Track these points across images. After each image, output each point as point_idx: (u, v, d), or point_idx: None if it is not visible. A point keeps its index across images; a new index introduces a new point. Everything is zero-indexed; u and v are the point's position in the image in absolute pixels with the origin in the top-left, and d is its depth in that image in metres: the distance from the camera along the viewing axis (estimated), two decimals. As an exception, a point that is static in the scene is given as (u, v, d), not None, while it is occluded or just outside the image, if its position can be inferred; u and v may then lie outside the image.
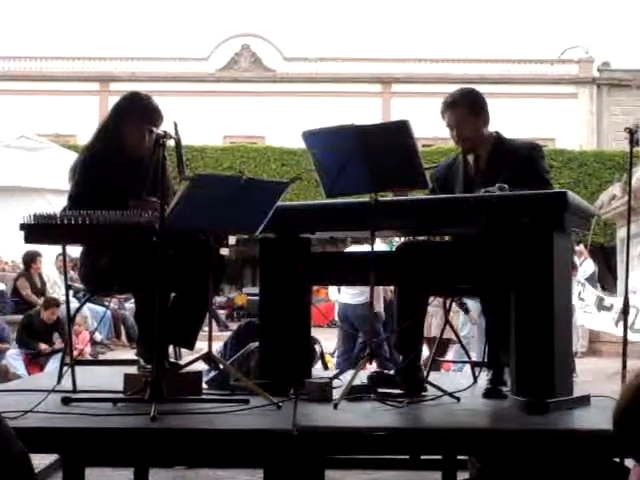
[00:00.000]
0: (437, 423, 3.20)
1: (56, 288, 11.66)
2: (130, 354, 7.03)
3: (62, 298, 9.54)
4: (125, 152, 3.79)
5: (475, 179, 3.95)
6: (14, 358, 9.34)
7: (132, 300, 10.85)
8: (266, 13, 56.57)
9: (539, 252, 3.40)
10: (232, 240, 4.00)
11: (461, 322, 9.03)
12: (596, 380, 8.35)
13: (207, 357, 3.55)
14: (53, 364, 8.75)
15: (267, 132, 29.35)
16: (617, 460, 3.09)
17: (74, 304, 4.53)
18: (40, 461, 4.17)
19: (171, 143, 3.36)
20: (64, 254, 4.07)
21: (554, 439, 2.93)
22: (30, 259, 11.50)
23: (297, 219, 3.95)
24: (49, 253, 11.58)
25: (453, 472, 4.07)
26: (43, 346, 9.41)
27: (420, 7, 63.46)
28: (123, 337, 13.26)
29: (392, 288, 5.99)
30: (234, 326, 9.89)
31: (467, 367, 5.02)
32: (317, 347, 4.53)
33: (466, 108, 3.98)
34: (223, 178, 3.73)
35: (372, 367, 6.20)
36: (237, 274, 25.24)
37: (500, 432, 3.02)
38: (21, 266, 12.16)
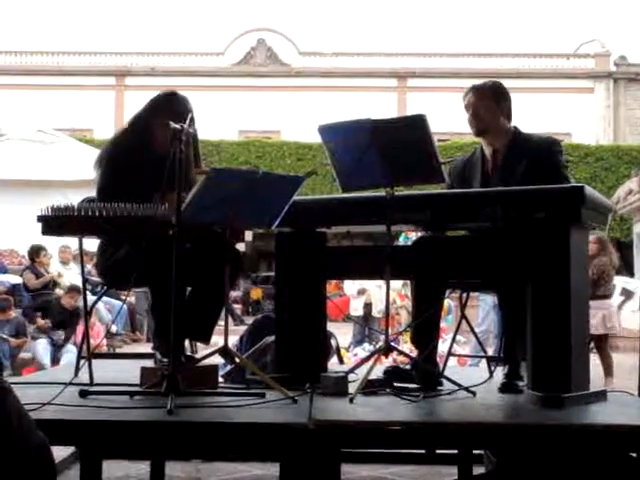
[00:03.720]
0: (453, 417, 3.19)
1: (61, 280, 11.67)
2: (146, 348, 7.07)
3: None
4: (151, 149, 3.77)
5: (493, 174, 3.95)
6: (44, 347, 9.43)
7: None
8: (282, 7, 56.53)
9: (556, 247, 3.38)
10: (248, 236, 4.00)
11: (480, 317, 9.03)
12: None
13: (223, 351, 3.55)
14: (68, 357, 8.82)
15: (283, 127, 29.35)
16: (634, 455, 3.08)
17: (89, 298, 4.55)
18: (57, 453, 4.18)
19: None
20: (80, 246, 4.08)
21: (570, 434, 2.92)
22: (35, 253, 11.59)
23: (313, 213, 3.94)
24: (50, 246, 11.57)
25: (469, 466, 4.06)
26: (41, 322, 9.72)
27: (436, 1, 63.25)
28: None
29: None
30: (249, 320, 9.93)
31: (483, 362, 5.02)
32: (333, 341, 4.53)
33: (488, 93, 4.01)
34: (239, 172, 3.72)
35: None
36: (253, 269, 25.27)
37: (516, 427, 3.01)
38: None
